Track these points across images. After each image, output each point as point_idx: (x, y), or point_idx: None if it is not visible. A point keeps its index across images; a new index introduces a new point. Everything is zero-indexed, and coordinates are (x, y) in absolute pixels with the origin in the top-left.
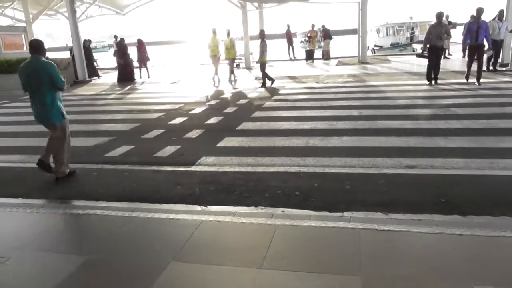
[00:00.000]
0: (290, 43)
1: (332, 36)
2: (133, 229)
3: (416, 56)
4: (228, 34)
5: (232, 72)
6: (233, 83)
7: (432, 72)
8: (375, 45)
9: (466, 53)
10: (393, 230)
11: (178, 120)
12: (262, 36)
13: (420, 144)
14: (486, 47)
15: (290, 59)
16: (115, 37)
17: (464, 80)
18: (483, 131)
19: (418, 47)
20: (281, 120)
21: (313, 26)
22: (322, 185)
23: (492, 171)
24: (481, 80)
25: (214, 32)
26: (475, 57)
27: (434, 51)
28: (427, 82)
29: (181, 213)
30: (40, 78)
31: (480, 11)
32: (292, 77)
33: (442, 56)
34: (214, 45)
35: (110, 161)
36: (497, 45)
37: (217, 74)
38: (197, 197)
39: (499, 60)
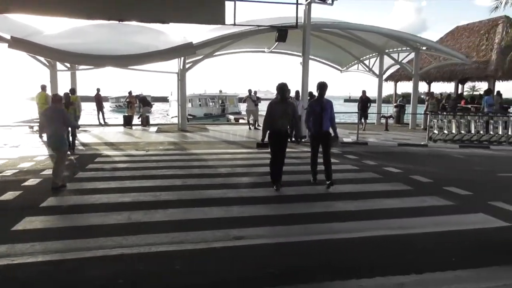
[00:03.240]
0: (100, 107)
1: (153, 103)
2: None
3: (256, 147)
4: (74, 91)
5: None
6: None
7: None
8: (189, 114)
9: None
10: None
11: None
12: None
13: (244, 213)
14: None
15: (100, 124)
16: None
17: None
18: (297, 197)
19: (232, 118)
20: (98, 192)
21: (130, 92)
22: (148, 267)
23: (309, 237)
24: (289, 150)
25: (43, 88)
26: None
27: (277, 138)
28: (274, 187)
29: None
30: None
31: (323, 87)
32: (109, 144)
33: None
34: (43, 102)
35: None
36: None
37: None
38: None
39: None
